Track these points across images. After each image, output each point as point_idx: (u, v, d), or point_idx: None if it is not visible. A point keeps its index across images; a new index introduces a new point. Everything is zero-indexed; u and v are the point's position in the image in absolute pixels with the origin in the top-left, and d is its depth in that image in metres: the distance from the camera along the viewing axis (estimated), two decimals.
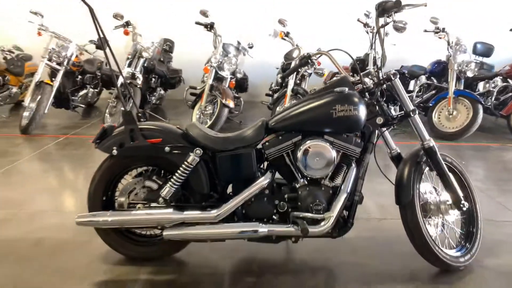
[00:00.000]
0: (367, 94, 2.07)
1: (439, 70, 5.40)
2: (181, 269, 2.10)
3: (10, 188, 3.18)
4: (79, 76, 5.56)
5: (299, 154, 1.93)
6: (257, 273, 2.07)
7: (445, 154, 2.22)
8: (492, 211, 2.89)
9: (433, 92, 5.36)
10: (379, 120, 2.04)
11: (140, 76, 4.99)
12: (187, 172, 1.96)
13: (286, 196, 2.02)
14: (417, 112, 2.08)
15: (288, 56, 2.37)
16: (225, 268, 2.12)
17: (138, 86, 4.82)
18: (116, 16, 4.98)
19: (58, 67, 4.97)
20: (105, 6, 4.44)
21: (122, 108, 4.77)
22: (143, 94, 5.36)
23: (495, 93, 5.14)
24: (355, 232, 2.48)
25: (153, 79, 5.58)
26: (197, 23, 4.93)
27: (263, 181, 1.98)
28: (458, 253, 2.12)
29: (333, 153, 1.93)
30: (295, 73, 4.71)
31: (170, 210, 1.95)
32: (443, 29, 4.85)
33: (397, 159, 2.20)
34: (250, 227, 1.94)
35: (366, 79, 2.13)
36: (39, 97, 4.68)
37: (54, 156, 4.05)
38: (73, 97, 5.43)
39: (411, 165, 2.08)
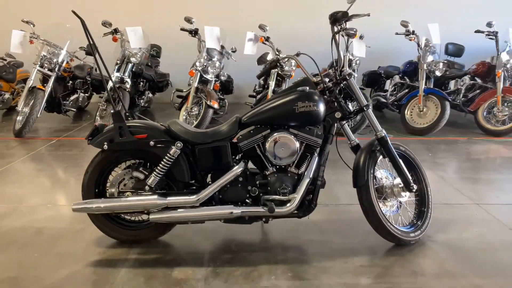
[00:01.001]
0: (327, 92, 2.37)
1: (411, 70, 5.75)
2: (167, 250, 2.37)
3: (8, 185, 3.42)
4: (70, 81, 5.80)
5: (268, 145, 2.23)
6: (234, 251, 2.36)
7: (399, 144, 2.53)
8: (448, 196, 3.22)
9: (406, 90, 5.71)
10: (338, 114, 2.34)
11: (129, 80, 5.25)
12: (170, 163, 2.24)
13: (258, 182, 2.31)
14: (370, 107, 2.39)
15: (261, 59, 2.67)
16: (205, 248, 2.39)
17: (127, 89, 5.08)
18: (105, 24, 5.23)
19: (49, 73, 5.20)
20: (93, 14, 4.70)
21: (112, 111, 5.06)
22: (132, 97, 5.62)
23: (463, 91, 5.51)
24: (324, 216, 2.82)
25: (141, 83, 5.84)
26: (182, 29, 5.21)
27: (237, 170, 2.27)
28: (409, 230, 2.43)
29: (297, 144, 2.23)
30: (274, 75, 5.05)
31: (155, 196, 2.22)
32: (413, 31, 5.19)
33: (356, 149, 2.50)
34: (226, 209, 2.23)
35: (326, 79, 2.44)
36: (32, 102, 4.91)
37: (47, 157, 4.29)
38: (64, 102, 5.66)
39: (366, 153, 2.39)
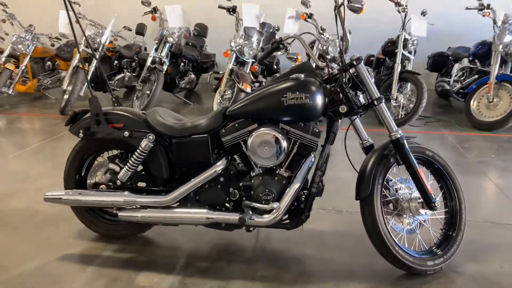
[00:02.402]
0: (334, 81, 1.94)
1: (484, 52, 4.83)
2: (143, 249, 2.19)
3: (31, 163, 3.53)
4: (116, 61, 5.89)
5: (249, 142, 1.89)
6: (212, 259, 2.09)
7: (425, 148, 2.02)
8: (501, 212, 2.58)
9: (476, 76, 4.82)
10: (343, 108, 1.91)
11: (166, 61, 5.14)
12: (142, 156, 2.02)
13: (241, 184, 2.00)
14: (383, 100, 1.91)
15: None
16: (184, 252, 2.16)
17: (162, 71, 4.98)
18: (144, 3, 5.15)
19: (93, 52, 5.30)
20: None
21: (148, 92, 5.03)
22: (172, 78, 5.54)
23: None
24: (330, 226, 2.42)
25: (182, 64, 5.72)
26: (220, 6, 4.93)
27: (215, 168, 1.97)
28: (427, 256, 1.94)
29: (283, 143, 1.86)
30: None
31: (125, 192, 2.03)
32: (488, 5, 4.32)
33: (369, 150, 2.05)
34: (198, 214, 1.96)
35: (334, 65, 2.00)
36: (74, 81, 5.06)
37: None
38: (110, 81, 5.78)
39: (376, 157, 1.93)
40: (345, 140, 2.09)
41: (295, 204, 1.97)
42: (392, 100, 4.49)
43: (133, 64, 6.13)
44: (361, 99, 1.98)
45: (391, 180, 2.02)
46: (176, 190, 1.99)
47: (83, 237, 2.29)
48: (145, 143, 1.99)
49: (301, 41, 2.12)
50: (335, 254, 2.14)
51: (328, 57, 2.14)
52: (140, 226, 2.20)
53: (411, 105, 4.45)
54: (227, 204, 2.02)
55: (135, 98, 5.13)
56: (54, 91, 6.49)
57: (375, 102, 1.90)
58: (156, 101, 4.92)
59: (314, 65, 2.11)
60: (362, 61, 1.91)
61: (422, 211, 1.96)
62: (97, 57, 5.19)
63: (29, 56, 5.59)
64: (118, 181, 2.07)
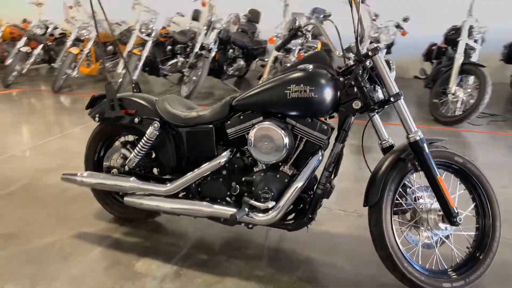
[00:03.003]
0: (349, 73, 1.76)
1: None
2: (150, 235, 2.21)
3: (79, 142, 3.76)
4: (169, 46, 6.04)
5: (250, 136, 1.79)
6: (213, 252, 2.05)
7: (456, 153, 1.76)
8: None
9: None
10: (356, 104, 1.73)
11: (214, 47, 5.15)
12: (148, 144, 2.02)
13: (244, 179, 1.91)
14: (401, 97, 1.69)
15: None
16: (188, 241, 2.15)
17: (209, 57, 4.99)
18: None
19: (147, 38, 5.50)
20: None
21: (194, 78, 5.10)
22: (220, 64, 5.55)
23: None
24: (345, 228, 2.25)
25: (231, 50, 5.70)
26: None
27: (218, 160, 1.91)
28: (443, 277, 1.70)
29: (285, 138, 1.73)
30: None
31: (131, 178, 2.05)
32: None
33: (387, 152, 1.84)
34: (196, 206, 1.92)
35: (351, 55, 1.80)
36: (128, 65, 5.29)
37: None
38: (163, 66, 5.96)
39: (391, 160, 1.72)
40: (363, 138, 1.90)
41: (301, 204, 1.85)
42: (449, 95, 4.04)
43: (187, 49, 6.26)
44: (380, 94, 1.77)
45: (410, 188, 1.80)
46: (179, 179, 1.96)
47: (100, 217, 2.37)
48: (151, 131, 1.99)
49: (320, 28, 1.94)
50: (344, 260, 1.98)
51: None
52: (149, 212, 2.22)
53: (472, 101, 3.97)
54: (228, 199, 1.95)
55: (183, 84, 5.23)
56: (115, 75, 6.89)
57: (391, 98, 1.68)
58: (201, 87, 4.97)
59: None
60: (380, 52, 1.70)
61: (442, 225, 1.71)
62: (150, 42, 5.39)
63: (92, 41, 5.96)
64: (126, 167, 2.10)
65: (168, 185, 1.97)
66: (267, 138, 1.74)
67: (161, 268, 1.93)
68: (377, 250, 1.70)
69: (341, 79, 1.76)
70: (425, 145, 1.66)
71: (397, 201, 1.77)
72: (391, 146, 1.84)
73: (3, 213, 2.44)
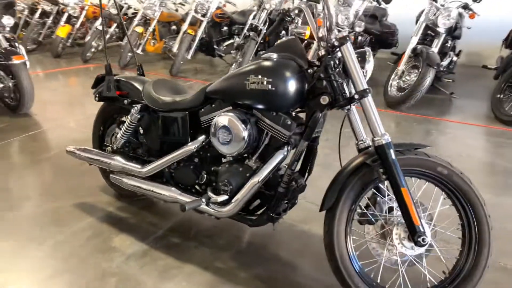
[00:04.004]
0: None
1: None
2: (139, 212, 2.31)
3: None
4: (226, 27, 6.09)
5: (212, 124, 1.74)
6: (186, 237, 2.08)
7: (441, 162, 1.52)
8: None
9: None
10: (324, 99, 1.57)
11: (264, 29, 5.06)
12: (131, 126, 2.08)
13: (212, 169, 1.88)
14: (369, 94, 1.48)
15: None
16: (169, 224, 2.20)
17: (255, 39, 4.92)
18: None
19: (202, 18, 5.60)
20: None
21: (241, 59, 5.09)
22: (271, 46, 5.42)
23: None
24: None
25: (283, 32, 5.52)
26: None
27: (189, 146, 1.90)
28: None
29: (243, 131, 1.64)
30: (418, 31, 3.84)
31: (116, 157, 2.14)
32: None
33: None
34: (163, 190, 1.94)
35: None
36: (181, 44, 5.48)
37: None
38: (218, 47, 6.05)
39: (355, 165, 1.54)
40: (340, 136, 1.73)
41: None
42: None
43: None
44: (352, 88, 1.58)
45: (381, 197, 1.60)
46: (153, 163, 2.01)
47: (103, 190, 2.55)
48: (132, 113, 2.05)
49: (306, 12, 1.78)
50: (308, 264, 1.86)
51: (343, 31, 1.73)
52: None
53: None
54: (197, 187, 1.94)
55: (231, 65, 5.27)
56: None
57: (356, 95, 1.48)
58: None
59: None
60: (349, 41, 1.50)
61: (406, 243, 1.50)
62: (204, 22, 5.48)
63: (156, 20, 6.27)
64: (114, 146, 2.20)
65: (145, 167, 2.03)
66: (226, 129, 1.68)
67: (133, 246, 2.02)
68: (328, 260, 1.56)
69: (310, 71, 1.60)
70: (391, 151, 1.45)
71: (363, 210, 1.59)
72: (368, 148, 1.64)
73: (28, 177, 2.76)
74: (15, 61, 3.81)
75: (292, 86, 1.56)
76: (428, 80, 3.62)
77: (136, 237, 2.09)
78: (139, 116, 2.05)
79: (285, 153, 1.67)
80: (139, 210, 2.34)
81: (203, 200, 1.77)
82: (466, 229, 1.52)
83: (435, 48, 3.89)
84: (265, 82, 1.56)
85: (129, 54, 6.11)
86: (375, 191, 1.59)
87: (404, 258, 1.55)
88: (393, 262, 1.57)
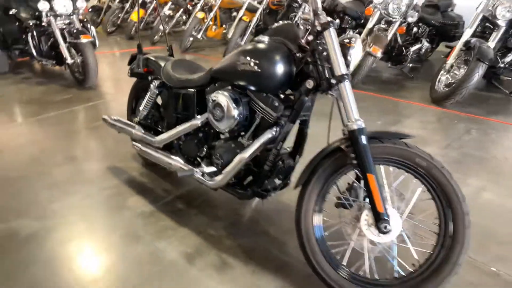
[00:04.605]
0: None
1: None
2: (157, 179, 2.55)
3: None
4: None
5: (209, 101, 1.89)
6: (191, 205, 2.27)
7: (420, 153, 1.51)
8: None
9: None
10: (309, 83, 1.63)
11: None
12: (151, 100, 2.32)
13: (212, 143, 2.04)
14: (346, 79, 1.50)
15: None
16: (179, 191, 2.41)
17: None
18: None
19: (257, 5, 5.73)
20: None
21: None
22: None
23: None
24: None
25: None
26: None
27: (194, 121, 2.06)
28: (362, 285, 1.52)
29: (233, 109, 1.77)
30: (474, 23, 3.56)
31: (137, 127, 2.39)
32: None
33: None
34: (169, 160, 2.14)
35: (318, 29, 1.67)
36: (235, 31, 5.68)
37: None
38: None
39: (331, 148, 1.59)
40: (330, 119, 1.76)
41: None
42: None
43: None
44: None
45: (357, 183, 1.62)
46: (164, 134, 2.21)
47: (134, 157, 2.85)
48: (151, 88, 2.27)
49: None
50: (295, 242, 1.92)
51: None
52: None
53: None
54: (198, 159, 2.11)
55: None
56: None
57: (332, 80, 1.52)
58: None
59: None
60: (332, 27, 1.53)
61: (374, 230, 1.51)
62: (260, 9, 5.61)
63: (217, 6, 6.54)
64: (137, 117, 2.46)
65: (157, 137, 2.24)
66: (220, 106, 1.81)
67: (144, 206, 2.26)
68: (296, 235, 1.63)
69: (299, 55, 1.66)
70: (362, 136, 1.47)
71: (343, 195, 1.63)
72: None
73: (79, 141, 3.16)
74: (83, 40, 4.31)
75: (278, 68, 1.63)
76: (476, 76, 3.36)
77: (149, 199, 2.33)
78: (157, 92, 2.27)
79: (273, 133, 1.75)
80: (158, 177, 2.59)
81: (196, 170, 1.94)
82: (442, 224, 1.49)
83: (492, 42, 3.58)
84: (252, 64, 1.66)
85: (190, 38, 6.47)
86: (355, 177, 1.61)
87: (374, 246, 1.57)
88: (361, 247, 1.59)
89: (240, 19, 5.71)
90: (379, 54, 4.04)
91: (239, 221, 2.14)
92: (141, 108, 2.42)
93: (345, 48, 1.57)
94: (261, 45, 1.68)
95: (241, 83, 1.76)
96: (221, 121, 1.84)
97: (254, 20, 5.74)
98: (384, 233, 1.46)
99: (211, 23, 6.73)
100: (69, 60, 4.42)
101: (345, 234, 1.63)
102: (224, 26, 6.93)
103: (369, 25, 4.26)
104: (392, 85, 4.59)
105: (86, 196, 2.36)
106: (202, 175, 1.96)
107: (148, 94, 2.31)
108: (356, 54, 1.59)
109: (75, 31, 4.40)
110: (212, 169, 1.88)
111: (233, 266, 1.79)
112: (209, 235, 2.01)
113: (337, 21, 5.23)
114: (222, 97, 1.80)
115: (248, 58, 1.68)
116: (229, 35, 5.86)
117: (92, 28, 4.85)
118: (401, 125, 3.43)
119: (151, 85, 2.27)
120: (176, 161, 2.11)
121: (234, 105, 1.77)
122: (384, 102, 3.99)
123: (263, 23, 5.96)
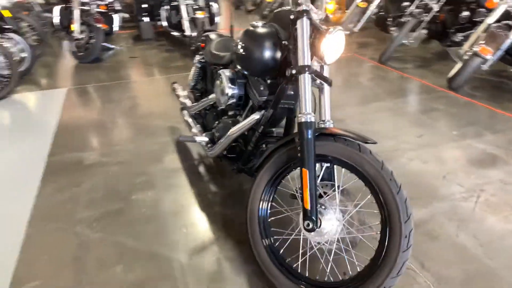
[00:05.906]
0: None
1: None
2: (196, 145, 2.88)
3: None
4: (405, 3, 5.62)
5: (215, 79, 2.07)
6: (208, 172, 2.52)
7: (371, 161, 1.43)
8: None
9: None
10: (288, 71, 1.66)
11: (435, 6, 4.50)
12: (195, 72, 2.60)
13: (222, 118, 2.22)
14: (307, 71, 1.48)
15: None
16: (205, 159, 2.68)
17: (419, 18, 4.45)
18: None
19: None
20: None
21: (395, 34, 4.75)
22: (447, 27, 4.76)
23: None
24: None
25: (466, 13, 4.70)
26: None
27: (211, 96, 2.28)
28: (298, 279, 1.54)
29: (227, 88, 1.92)
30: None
31: (186, 96, 2.73)
32: None
33: None
34: (191, 123, 2.44)
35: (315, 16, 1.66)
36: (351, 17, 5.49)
37: None
38: (392, 23, 5.69)
39: (287, 139, 1.60)
40: (314, 109, 1.74)
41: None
42: None
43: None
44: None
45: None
46: (196, 104, 2.48)
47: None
48: (194, 61, 2.55)
49: None
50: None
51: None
52: None
53: None
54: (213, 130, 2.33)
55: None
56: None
57: (293, 71, 1.51)
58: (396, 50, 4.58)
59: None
60: (305, 17, 1.50)
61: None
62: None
63: None
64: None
65: (191, 105, 2.53)
66: (219, 83, 1.98)
67: (174, 164, 2.62)
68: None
69: (285, 43, 1.68)
70: (309, 130, 1.45)
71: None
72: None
73: (149, 103, 3.72)
74: (198, 15, 4.88)
75: (262, 54, 1.69)
76: None
77: (182, 159, 2.68)
78: (199, 65, 2.54)
79: (259, 116, 1.84)
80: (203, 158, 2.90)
81: (196, 138, 2.16)
82: (382, 238, 1.39)
83: None
84: (239, 47, 1.76)
85: None
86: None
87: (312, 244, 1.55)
88: (303, 240, 1.59)
89: (357, 5, 5.49)
90: (489, 56, 3.42)
91: (236, 193, 2.29)
92: (189, 77, 2.74)
93: (320, 40, 1.52)
94: (250, 30, 1.76)
95: (235, 64, 1.88)
96: (219, 97, 2.01)
97: (372, 6, 5.44)
98: (307, 230, 1.44)
99: (334, 6, 6.61)
100: (187, 32, 5.07)
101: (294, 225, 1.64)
102: (347, 11, 6.73)
103: (489, 20, 3.61)
104: (507, 94, 3.81)
105: (139, 145, 2.85)
106: (206, 145, 2.18)
107: (193, 67, 2.61)
108: (331, 47, 1.52)
109: (195, 7, 5.00)
110: (205, 139, 2.08)
111: (206, 228, 2.00)
112: (206, 198, 2.24)
113: (466, 13, 4.60)
114: (222, 75, 1.96)
115: (239, 42, 1.78)
116: (343, 18, 5.72)
117: (117, 16, 5.43)
118: (479, 140, 2.89)
119: (195, 59, 2.56)
120: (196, 129, 2.38)
121: (229, 84, 1.91)
122: (480, 111, 3.38)
123: (385, 11, 5.59)
